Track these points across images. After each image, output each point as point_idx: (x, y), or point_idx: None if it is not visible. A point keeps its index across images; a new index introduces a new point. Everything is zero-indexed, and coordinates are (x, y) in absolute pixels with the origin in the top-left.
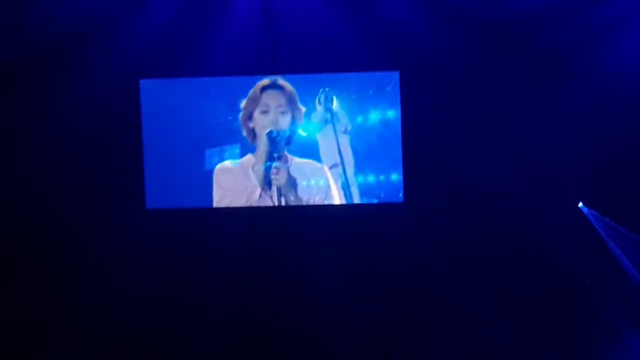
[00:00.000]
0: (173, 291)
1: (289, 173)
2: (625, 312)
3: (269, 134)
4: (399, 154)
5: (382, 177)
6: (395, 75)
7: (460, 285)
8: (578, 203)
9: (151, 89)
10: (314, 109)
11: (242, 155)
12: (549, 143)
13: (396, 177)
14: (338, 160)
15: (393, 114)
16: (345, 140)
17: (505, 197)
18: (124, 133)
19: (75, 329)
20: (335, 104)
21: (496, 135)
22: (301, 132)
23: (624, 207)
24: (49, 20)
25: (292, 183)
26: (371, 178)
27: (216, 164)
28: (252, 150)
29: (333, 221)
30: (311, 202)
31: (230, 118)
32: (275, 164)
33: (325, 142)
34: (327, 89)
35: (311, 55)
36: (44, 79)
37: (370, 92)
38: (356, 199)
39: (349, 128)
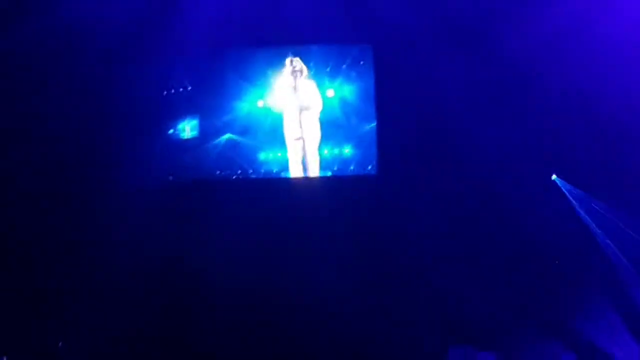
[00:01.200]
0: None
1: None
2: (600, 288)
3: None
4: (355, 128)
5: (336, 151)
6: (367, 50)
7: (435, 256)
8: (551, 175)
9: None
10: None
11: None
12: (524, 116)
13: (350, 150)
14: (300, 134)
15: (349, 90)
16: (310, 114)
17: (479, 167)
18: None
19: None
20: (304, 74)
21: (468, 108)
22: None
23: (596, 180)
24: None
25: None
26: (327, 151)
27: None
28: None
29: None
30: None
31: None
32: None
33: (289, 114)
34: (292, 58)
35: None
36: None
37: (343, 66)
38: (314, 173)
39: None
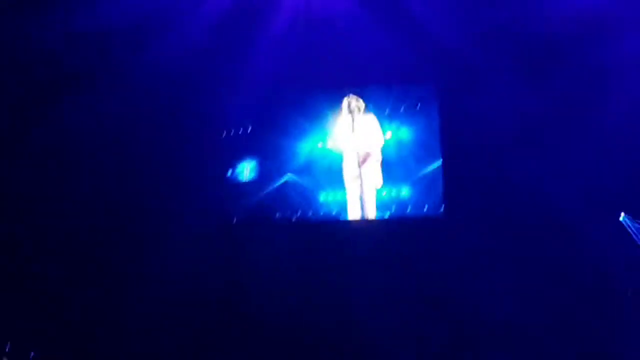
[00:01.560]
0: None
1: None
2: None
3: None
4: (411, 169)
5: (393, 192)
6: (423, 93)
7: (500, 297)
8: (620, 214)
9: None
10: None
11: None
12: (591, 155)
13: (406, 191)
14: (357, 174)
15: (406, 132)
16: (370, 152)
17: (547, 208)
18: None
19: None
20: (361, 111)
21: (536, 148)
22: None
23: None
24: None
25: None
26: (385, 193)
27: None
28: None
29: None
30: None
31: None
32: None
33: (348, 154)
34: (350, 95)
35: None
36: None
37: (401, 109)
38: (371, 214)
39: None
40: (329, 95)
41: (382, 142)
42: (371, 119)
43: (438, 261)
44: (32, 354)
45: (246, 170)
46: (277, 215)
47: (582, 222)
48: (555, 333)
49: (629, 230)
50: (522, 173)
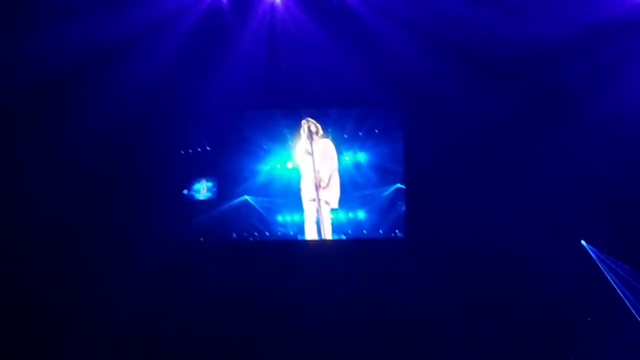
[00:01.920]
0: None
1: None
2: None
3: None
4: (368, 192)
5: (350, 215)
6: (382, 117)
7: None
8: (580, 241)
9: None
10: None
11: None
12: (550, 180)
13: (362, 214)
14: (314, 196)
15: (364, 156)
16: (326, 175)
17: (505, 233)
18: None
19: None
20: (319, 135)
21: (497, 172)
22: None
23: (625, 245)
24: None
25: None
26: (341, 215)
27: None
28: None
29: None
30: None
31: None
32: None
33: (305, 176)
34: (308, 119)
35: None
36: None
37: (360, 133)
38: (328, 235)
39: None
40: (289, 117)
41: (336, 166)
42: (328, 143)
43: (395, 282)
44: None
45: (203, 189)
46: (234, 236)
47: (544, 248)
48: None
49: (591, 255)
50: (484, 197)
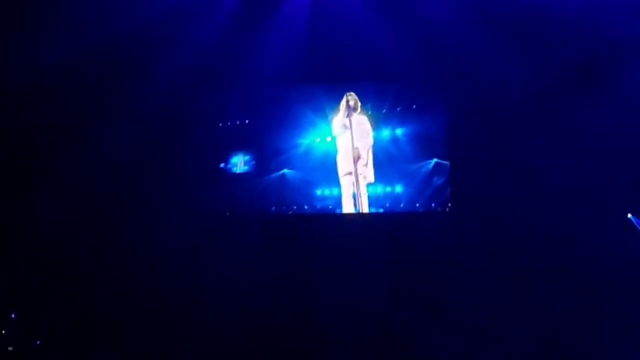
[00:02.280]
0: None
1: None
2: None
3: None
4: (405, 166)
5: (388, 189)
6: (419, 94)
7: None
8: (627, 214)
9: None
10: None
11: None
12: (596, 151)
13: (400, 188)
14: (349, 170)
15: (401, 131)
16: (362, 150)
17: (552, 208)
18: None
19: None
20: (357, 110)
21: (539, 147)
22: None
23: None
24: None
25: None
26: (379, 189)
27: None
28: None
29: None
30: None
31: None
32: None
33: (342, 150)
34: (348, 93)
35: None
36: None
37: (398, 110)
38: (365, 209)
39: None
40: (328, 91)
41: (372, 142)
42: (366, 119)
43: (434, 256)
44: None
45: (240, 162)
46: (273, 209)
47: (589, 222)
48: (556, 335)
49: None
50: (526, 172)
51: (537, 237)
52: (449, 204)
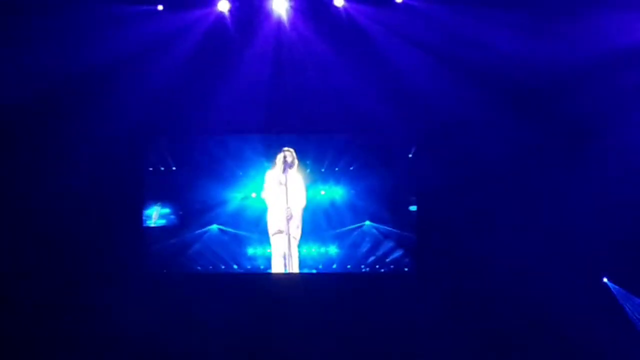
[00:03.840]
0: None
1: None
2: None
3: None
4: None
5: (322, 249)
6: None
7: None
8: (602, 278)
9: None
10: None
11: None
12: (570, 214)
13: (333, 249)
14: (279, 229)
15: (340, 192)
16: (294, 210)
17: (524, 270)
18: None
19: None
20: (294, 168)
21: (510, 204)
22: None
23: None
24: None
25: None
26: (313, 249)
27: None
28: None
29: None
30: None
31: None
32: None
33: (273, 208)
34: (288, 148)
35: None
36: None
37: (336, 169)
38: (295, 269)
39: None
40: (266, 143)
41: (305, 203)
42: (301, 178)
43: (367, 317)
44: None
45: (155, 215)
46: (199, 269)
47: (563, 285)
48: None
49: (612, 293)
50: (495, 231)
51: (509, 303)
52: (391, 266)
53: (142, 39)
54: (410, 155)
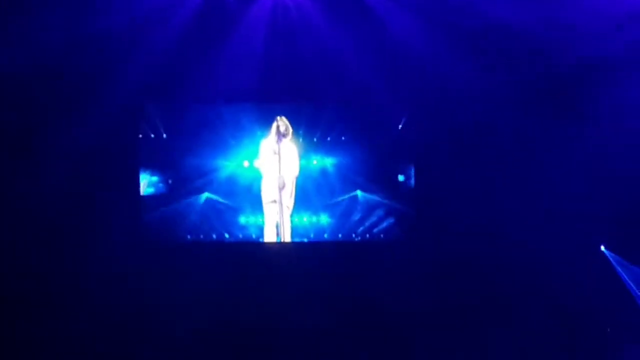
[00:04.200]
0: None
1: None
2: None
3: None
4: (330, 197)
5: (313, 219)
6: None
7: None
8: (600, 246)
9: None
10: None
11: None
12: (567, 182)
13: (325, 219)
14: (273, 198)
15: (332, 161)
16: (287, 178)
17: (520, 237)
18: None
19: None
20: (288, 137)
21: (507, 174)
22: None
23: None
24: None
25: None
26: (304, 219)
27: None
28: None
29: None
30: None
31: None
32: None
33: (267, 177)
34: (281, 117)
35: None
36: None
37: (329, 139)
38: (287, 238)
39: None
40: (259, 112)
41: (297, 172)
42: (295, 147)
43: (359, 285)
44: None
45: (143, 184)
46: (188, 237)
47: (560, 254)
48: None
49: (611, 262)
50: (492, 201)
51: (505, 270)
52: (381, 235)
53: (136, 7)
54: (400, 126)
